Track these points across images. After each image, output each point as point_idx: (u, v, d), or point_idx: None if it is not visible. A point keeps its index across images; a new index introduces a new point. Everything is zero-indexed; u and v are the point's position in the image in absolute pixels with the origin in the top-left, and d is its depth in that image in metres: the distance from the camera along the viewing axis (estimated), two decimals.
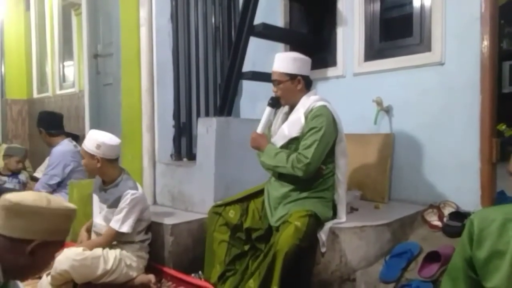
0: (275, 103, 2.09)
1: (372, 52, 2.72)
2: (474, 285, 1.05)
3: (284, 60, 2.07)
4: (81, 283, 2.06)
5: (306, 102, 2.02)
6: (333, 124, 1.97)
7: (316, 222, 1.95)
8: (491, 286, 0.96)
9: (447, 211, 2.19)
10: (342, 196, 2.05)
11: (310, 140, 1.93)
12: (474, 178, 2.25)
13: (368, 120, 2.65)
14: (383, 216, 2.17)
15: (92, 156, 2.17)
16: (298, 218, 1.87)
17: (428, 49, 2.44)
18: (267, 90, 2.15)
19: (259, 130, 2.09)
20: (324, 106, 1.99)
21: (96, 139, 2.17)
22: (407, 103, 2.53)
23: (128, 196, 2.14)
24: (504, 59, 5.30)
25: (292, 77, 2.04)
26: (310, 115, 1.97)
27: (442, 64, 2.38)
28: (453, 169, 2.34)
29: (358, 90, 2.75)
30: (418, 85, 2.48)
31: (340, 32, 2.86)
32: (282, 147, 2.03)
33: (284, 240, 1.79)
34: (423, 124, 2.46)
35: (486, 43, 2.20)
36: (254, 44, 2.94)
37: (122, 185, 2.20)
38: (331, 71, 2.91)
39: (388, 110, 2.60)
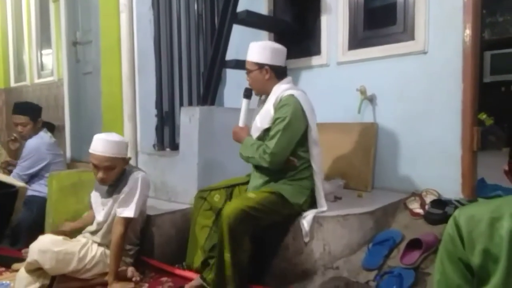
0: (249, 94, 2.09)
1: (356, 40, 2.71)
2: None
3: (254, 49, 2.05)
4: (58, 276, 2.02)
5: (277, 91, 2.01)
6: (301, 113, 1.94)
7: (281, 200, 1.92)
8: None
9: (428, 199, 2.21)
10: (318, 185, 2.03)
11: (274, 130, 1.93)
12: (456, 166, 2.28)
13: (352, 109, 2.64)
14: (366, 204, 2.18)
15: (123, 159, 2.08)
16: (257, 193, 1.89)
17: (412, 37, 2.44)
18: None
19: (240, 123, 2.09)
20: (292, 95, 1.96)
21: (121, 140, 2.07)
22: (391, 92, 2.53)
23: (139, 176, 2.09)
24: (485, 49, 5.38)
25: (260, 66, 2.02)
26: (278, 105, 1.96)
27: (425, 52, 2.39)
28: (435, 157, 2.36)
29: (342, 79, 2.75)
30: (401, 74, 2.48)
31: (324, 20, 2.84)
32: (259, 138, 2.02)
33: (229, 207, 1.79)
34: (406, 113, 2.47)
35: (468, 32, 2.21)
36: (238, 32, 2.90)
37: (128, 172, 2.12)
38: (315, 60, 2.90)
39: (371, 99, 2.60)
